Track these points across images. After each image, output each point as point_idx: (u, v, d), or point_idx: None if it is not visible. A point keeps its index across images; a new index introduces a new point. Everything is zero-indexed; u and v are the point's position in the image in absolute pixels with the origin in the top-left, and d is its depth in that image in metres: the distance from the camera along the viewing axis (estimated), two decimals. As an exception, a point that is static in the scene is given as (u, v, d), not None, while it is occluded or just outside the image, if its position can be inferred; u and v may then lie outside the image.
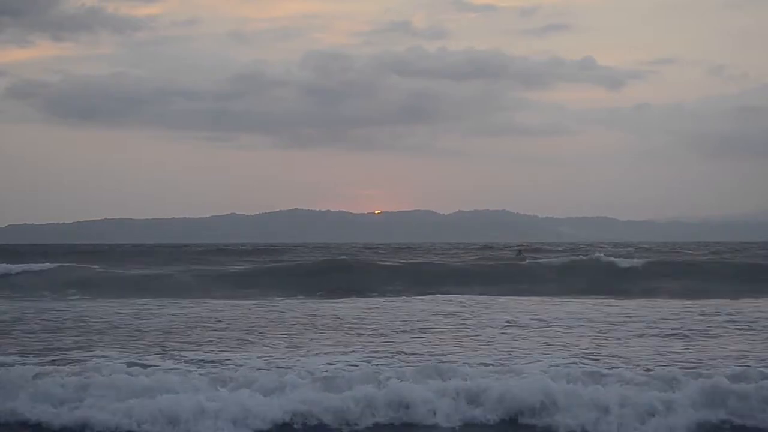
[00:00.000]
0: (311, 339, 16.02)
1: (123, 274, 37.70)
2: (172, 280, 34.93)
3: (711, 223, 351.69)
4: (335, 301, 25.57)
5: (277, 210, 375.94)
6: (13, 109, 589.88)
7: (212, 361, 12.89)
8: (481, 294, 27.74)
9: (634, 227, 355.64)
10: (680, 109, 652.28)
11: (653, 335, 16.33)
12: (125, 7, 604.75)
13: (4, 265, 38.74)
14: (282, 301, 25.38)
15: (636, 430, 9.57)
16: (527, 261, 43.33)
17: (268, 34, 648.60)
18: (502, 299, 25.37)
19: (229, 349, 14.45)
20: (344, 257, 47.45)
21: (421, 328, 17.70)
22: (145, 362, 12.65)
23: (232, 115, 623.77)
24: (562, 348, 14.54)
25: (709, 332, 16.59)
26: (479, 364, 12.17)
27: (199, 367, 12.22)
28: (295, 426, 9.84)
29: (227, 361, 12.80)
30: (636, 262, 38.43)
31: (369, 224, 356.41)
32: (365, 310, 21.61)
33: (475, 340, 15.85)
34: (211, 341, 15.66)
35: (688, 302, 23.59)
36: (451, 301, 24.80)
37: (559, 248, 76.41)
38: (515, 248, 70.33)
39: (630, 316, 19.74)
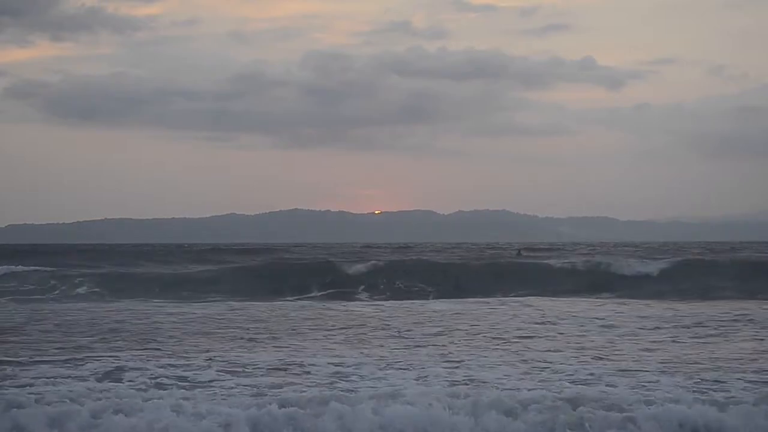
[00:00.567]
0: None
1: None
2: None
3: (711, 223, 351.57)
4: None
5: (277, 210, 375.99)
6: (13, 109, 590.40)
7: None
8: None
9: (634, 227, 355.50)
10: (680, 109, 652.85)
11: None
12: (125, 7, 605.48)
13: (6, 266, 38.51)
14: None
15: None
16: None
17: (268, 34, 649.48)
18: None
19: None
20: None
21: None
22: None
23: (232, 115, 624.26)
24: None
25: None
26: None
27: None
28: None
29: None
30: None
31: (369, 224, 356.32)
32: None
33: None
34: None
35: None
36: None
37: (559, 248, 76.61)
38: (515, 249, 71.33)
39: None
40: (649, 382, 11.49)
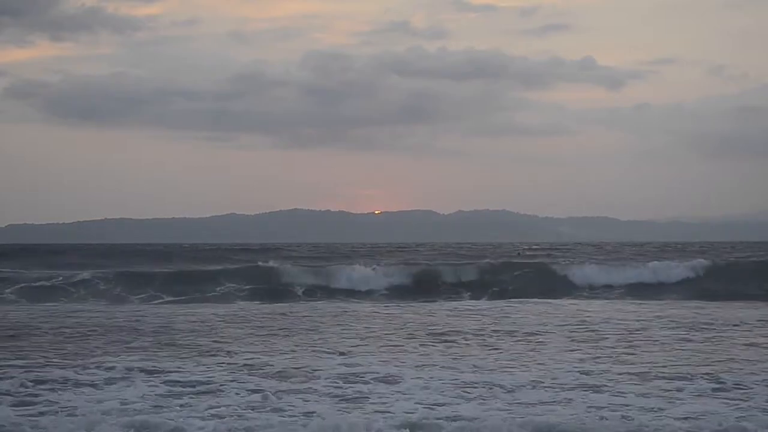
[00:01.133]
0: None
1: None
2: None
3: (711, 223, 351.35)
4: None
5: (277, 210, 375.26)
6: (13, 109, 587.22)
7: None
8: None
9: (634, 227, 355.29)
10: (680, 109, 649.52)
11: None
12: (125, 7, 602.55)
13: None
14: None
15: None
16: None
17: (268, 34, 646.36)
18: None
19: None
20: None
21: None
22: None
23: (232, 115, 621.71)
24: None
25: None
26: None
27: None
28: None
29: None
30: None
31: (369, 224, 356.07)
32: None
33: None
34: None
35: None
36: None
37: (562, 247, 76.65)
38: (516, 250, 72.09)
39: None
40: None
